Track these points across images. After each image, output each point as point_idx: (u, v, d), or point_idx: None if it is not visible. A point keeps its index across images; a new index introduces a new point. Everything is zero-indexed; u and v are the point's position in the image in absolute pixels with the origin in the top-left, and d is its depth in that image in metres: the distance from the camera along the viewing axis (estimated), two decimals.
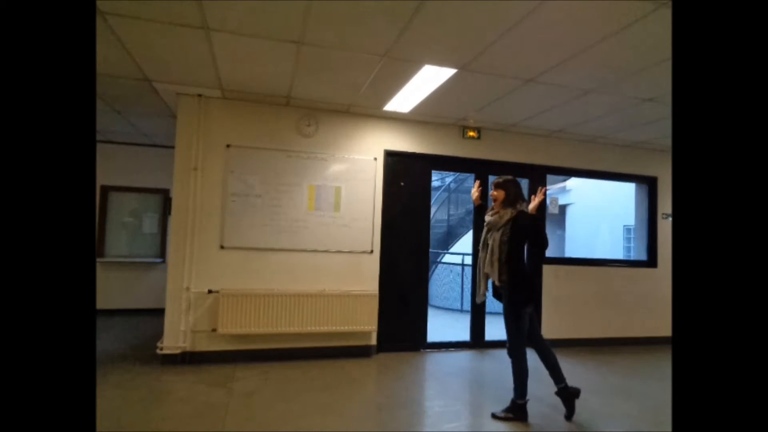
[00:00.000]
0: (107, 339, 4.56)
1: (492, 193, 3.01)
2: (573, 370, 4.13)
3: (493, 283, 2.93)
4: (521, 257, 2.87)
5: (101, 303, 5.69)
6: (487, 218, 3.01)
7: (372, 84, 3.51)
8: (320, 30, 2.64)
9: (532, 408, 3.17)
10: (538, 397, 3.40)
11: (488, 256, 2.93)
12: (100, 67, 3.27)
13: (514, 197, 2.92)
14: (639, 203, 5.64)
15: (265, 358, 3.95)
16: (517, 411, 2.88)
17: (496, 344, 4.91)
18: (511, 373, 2.89)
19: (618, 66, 2.98)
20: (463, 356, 4.53)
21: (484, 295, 3.04)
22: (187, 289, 3.86)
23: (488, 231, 2.99)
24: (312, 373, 3.68)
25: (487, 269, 2.93)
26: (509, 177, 3.03)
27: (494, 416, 2.91)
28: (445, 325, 6.09)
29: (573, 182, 9.53)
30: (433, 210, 7.49)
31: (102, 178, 5.75)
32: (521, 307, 2.83)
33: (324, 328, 4.08)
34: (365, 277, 4.32)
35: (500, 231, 2.89)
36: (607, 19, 2.38)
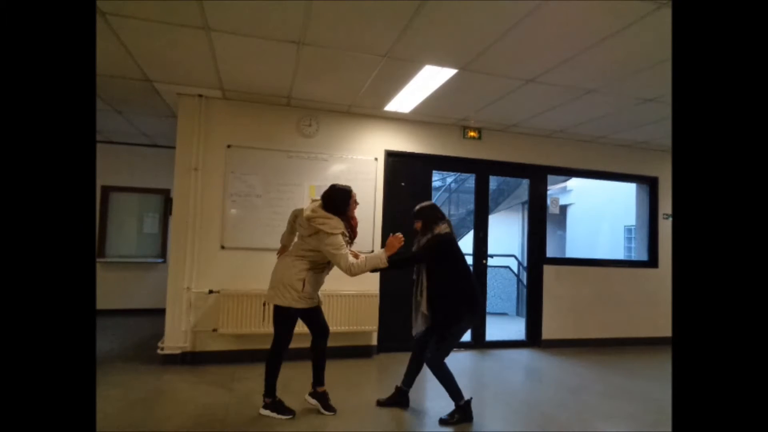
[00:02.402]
0: (107, 339, 4.56)
1: (415, 225, 3.00)
2: (574, 370, 4.13)
3: (423, 311, 2.90)
4: (442, 280, 2.83)
5: (101, 303, 5.68)
6: (413, 250, 3.01)
7: (372, 84, 3.51)
8: (320, 30, 2.64)
9: (532, 410, 3.17)
10: (537, 399, 3.40)
11: (417, 285, 2.97)
12: (100, 67, 3.27)
13: (430, 223, 2.90)
14: (640, 203, 5.64)
15: (265, 358, 3.94)
16: (462, 413, 2.87)
17: (496, 345, 4.92)
18: (440, 383, 2.88)
19: (618, 66, 2.98)
20: (464, 357, 4.53)
21: (420, 327, 2.96)
22: (188, 289, 3.86)
23: None
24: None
25: (418, 298, 2.94)
26: (423, 204, 3.02)
27: (442, 421, 2.87)
28: None
29: (574, 182, 9.52)
30: None
31: (102, 178, 5.75)
32: (445, 329, 2.82)
33: None
34: (366, 277, 4.29)
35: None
36: (607, 19, 2.38)
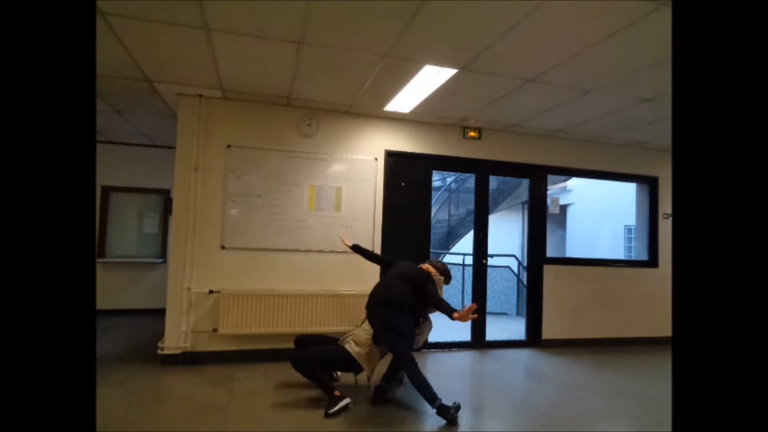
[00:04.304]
0: (107, 339, 4.56)
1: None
2: (574, 370, 4.13)
3: None
4: None
5: (101, 303, 5.69)
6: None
7: (372, 84, 3.51)
8: (320, 30, 2.64)
9: (532, 409, 3.17)
10: (537, 399, 3.40)
11: None
12: (101, 67, 3.27)
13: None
14: (640, 203, 5.64)
15: (265, 358, 3.95)
16: (445, 413, 2.83)
17: (497, 344, 4.91)
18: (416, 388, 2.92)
19: (618, 66, 2.98)
20: (464, 356, 4.53)
21: None
22: (188, 289, 3.86)
23: None
24: None
25: None
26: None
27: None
28: (445, 325, 6.07)
29: (574, 182, 9.53)
30: (433, 210, 7.49)
31: (102, 178, 5.75)
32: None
33: (325, 328, 4.07)
34: (366, 277, 4.32)
35: None
36: (607, 19, 2.38)
